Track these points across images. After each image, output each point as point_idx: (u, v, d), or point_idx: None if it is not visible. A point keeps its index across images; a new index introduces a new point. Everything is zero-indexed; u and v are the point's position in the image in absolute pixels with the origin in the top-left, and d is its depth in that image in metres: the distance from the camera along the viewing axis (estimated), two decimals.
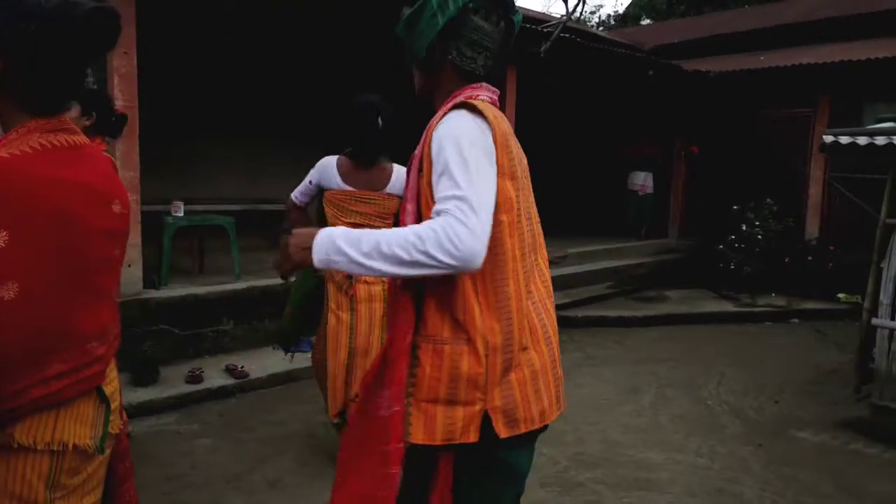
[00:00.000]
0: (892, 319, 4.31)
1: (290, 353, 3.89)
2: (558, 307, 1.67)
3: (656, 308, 7.88)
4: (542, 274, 1.61)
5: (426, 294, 1.46)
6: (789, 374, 5.55)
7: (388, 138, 3.22)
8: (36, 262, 1.15)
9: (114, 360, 1.41)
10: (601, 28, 23.56)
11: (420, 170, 1.47)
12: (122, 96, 4.75)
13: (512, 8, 1.58)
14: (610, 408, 4.65)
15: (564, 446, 3.91)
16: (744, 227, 8.85)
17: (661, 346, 6.46)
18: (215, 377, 4.77)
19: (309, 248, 1.38)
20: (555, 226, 1.61)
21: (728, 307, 8.02)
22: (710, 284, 8.93)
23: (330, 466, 3.57)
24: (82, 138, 1.31)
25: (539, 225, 1.64)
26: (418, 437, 1.44)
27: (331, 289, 3.29)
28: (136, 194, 4.92)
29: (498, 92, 1.60)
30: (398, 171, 3.25)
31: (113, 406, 1.37)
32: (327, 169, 3.30)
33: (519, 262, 1.46)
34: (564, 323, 6.54)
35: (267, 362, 5.11)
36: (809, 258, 8.65)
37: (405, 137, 1.65)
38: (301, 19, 6.89)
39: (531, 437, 1.54)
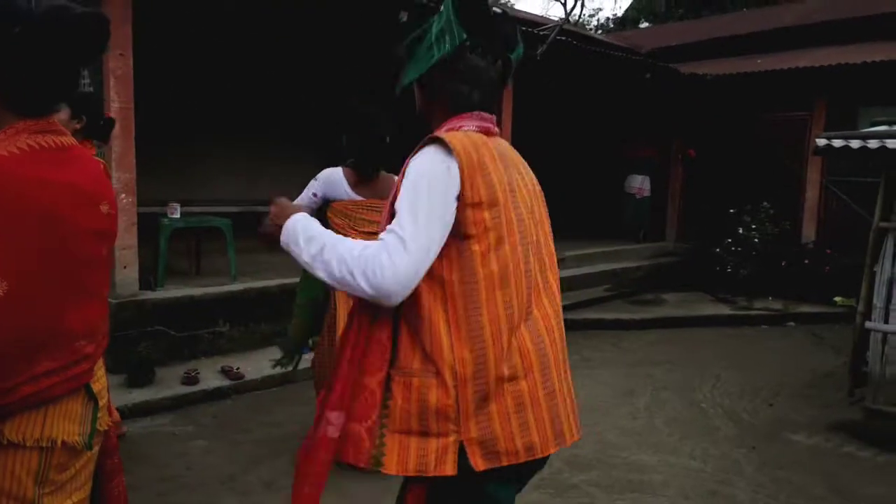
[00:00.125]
0: (886, 323, 4.33)
1: (292, 365, 3.87)
2: None
3: (653, 311, 7.89)
4: (553, 297, 1.58)
5: (400, 326, 1.46)
6: (784, 377, 5.56)
7: (392, 150, 3.25)
8: (24, 261, 1.16)
9: (102, 359, 1.42)
10: (600, 31, 23.61)
11: (395, 195, 1.49)
12: (119, 97, 4.77)
13: (512, 45, 1.58)
14: (605, 410, 4.66)
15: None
16: (740, 231, 8.87)
17: (658, 349, 6.47)
18: (211, 378, 4.78)
19: (281, 227, 1.48)
20: (552, 228, 1.65)
21: (725, 310, 8.03)
22: (706, 288, 8.95)
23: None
24: (70, 139, 1.32)
25: (550, 244, 1.63)
26: (391, 467, 1.42)
27: (342, 297, 3.30)
28: (132, 196, 4.93)
29: (492, 117, 1.59)
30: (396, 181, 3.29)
31: (101, 403, 1.38)
32: (334, 180, 3.31)
33: (499, 290, 1.43)
34: None
35: (262, 364, 5.11)
36: (806, 262, 8.67)
37: (405, 147, 1.68)
38: (301, 19, 6.90)
39: (518, 470, 1.48)
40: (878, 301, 4.42)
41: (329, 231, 1.46)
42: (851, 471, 3.80)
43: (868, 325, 4.44)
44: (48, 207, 1.20)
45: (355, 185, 3.28)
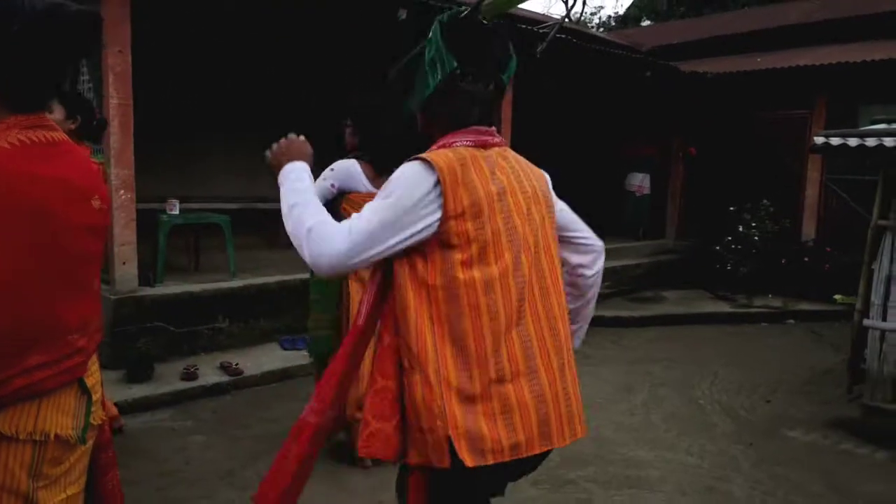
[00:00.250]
0: (884, 320, 4.33)
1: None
2: None
3: (653, 308, 7.90)
4: (550, 301, 1.61)
5: (398, 327, 1.55)
6: (783, 374, 5.57)
7: (407, 143, 3.26)
8: (15, 256, 1.17)
9: (96, 354, 1.43)
10: (601, 29, 23.59)
11: None
12: (118, 94, 4.78)
13: (504, 69, 1.64)
14: (603, 406, 4.67)
15: None
16: (740, 229, 8.86)
17: (657, 347, 6.48)
18: (210, 374, 4.79)
19: (280, 166, 1.65)
20: None
21: (724, 308, 8.04)
22: (706, 285, 8.95)
23: (323, 463, 3.59)
24: (61, 135, 1.33)
25: (552, 248, 1.66)
26: (413, 458, 1.53)
27: (354, 287, 3.30)
28: (131, 192, 4.94)
29: (490, 129, 1.65)
30: None
31: (94, 398, 1.39)
32: (351, 173, 3.31)
33: (483, 297, 1.49)
34: None
35: (262, 360, 5.13)
36: (806, 259, 8.66)
37: (420, 140, 1.75)
38: (300, 17, 6.90)
39: (506, 468, 1.54)
40: (876, 299, 4.42)
41: (311, 191, 1.59)
42: (849, 468, 3.80)
43: (866, 322, 4.44)
44: (39, 202, 1.20)
45: (374, 178, 3.29)
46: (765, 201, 8.91)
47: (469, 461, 1.46)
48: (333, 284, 3.43)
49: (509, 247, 1.53)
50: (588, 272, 1.90)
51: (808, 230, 9.38)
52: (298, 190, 1.58)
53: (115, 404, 4.08)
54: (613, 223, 10.44)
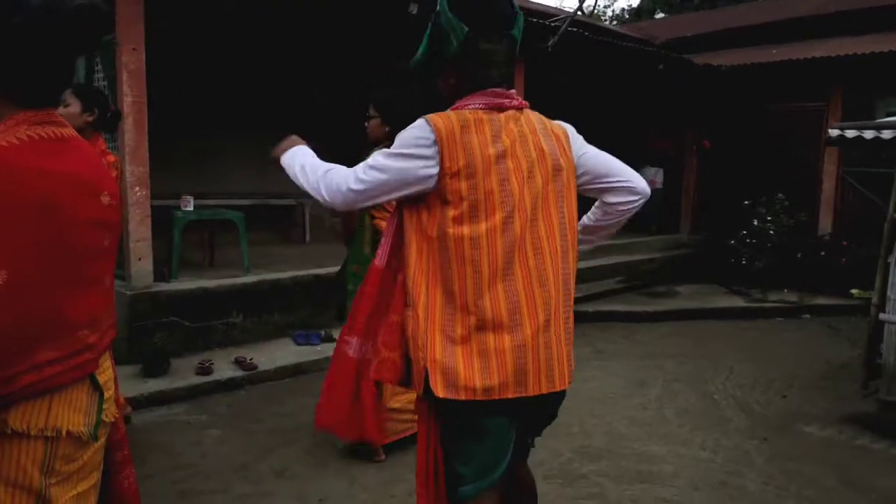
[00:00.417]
0: None
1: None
2: None
3: (666, 303, 7.86)
4: (543, 257, 1.69)
5: (404, 270, 1.77)
6: (799, 369, 5.53)
7: None
8: (23, 251, 1.16)
9: (108, 351, 1.42)
10: (615, 22, 23.44)
11: None
12: (132, 91, 4.82)
13: (511, 24, 1.72)
14: (616, 401, 4.66)
15: (569, 439, 3.93)
16: (755, 222, 8.80)
17: (670, 342, 6.45)
18: (225, 369, 4.83)
19: (283, 153, 1.92)
20: None
21: (739, 303, 7.98)
22: (720, 280, 8.89)
23: (337, 457, 3.62)
24: (70, 131, 1.33)
25: (554, 210, 1.73)
26: (414, 385, 1.76)
27: None
28: (146, 188, 4.98)
29: (509, 92, 1.75)
30: None
31: (107, 395, 1.38)
32: None
33: (470, 250, 1.63)
34: (574, 317, 6.55)
35: (276, 355, 5.17)
36: (822, 253, 8.58)
37: None
38: (311, 15, 6.92)
39: (510, 408, 1.68)
40: (892, 293, 4.38)
41: (314, 157, 1.86)
42: (864, 463, 3.77)
43: (882, 317, 4.41)
44: (47, 197, 1.20)
45: None
46: (780, 195, 8.83)
47: (440, 392, 1.63)
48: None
49: (501, 207, 1.64)
50: (622, 208, 2.00)
51: (825, 224, 9.28)
52: (302, 156, 1.87)
53: (132, 398, 4.13)
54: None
